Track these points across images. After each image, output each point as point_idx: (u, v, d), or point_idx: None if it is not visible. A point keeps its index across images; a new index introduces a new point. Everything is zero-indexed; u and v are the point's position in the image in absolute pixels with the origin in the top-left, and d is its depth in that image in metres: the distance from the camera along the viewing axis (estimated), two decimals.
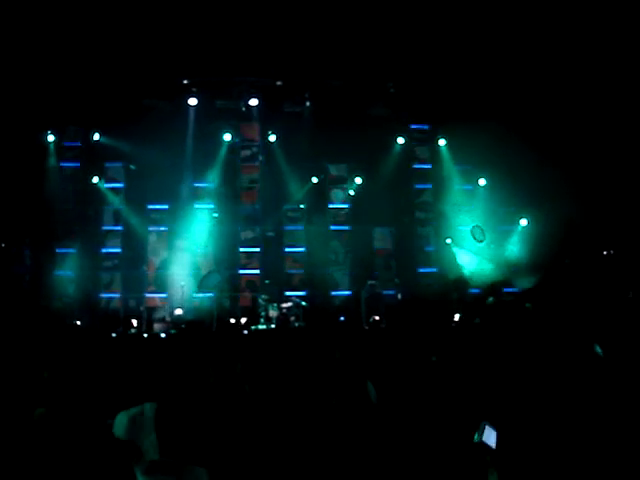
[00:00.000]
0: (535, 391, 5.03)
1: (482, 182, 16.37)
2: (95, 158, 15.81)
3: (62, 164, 15.75)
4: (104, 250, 15.66)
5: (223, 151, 16.07)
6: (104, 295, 15.42)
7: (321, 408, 4.76)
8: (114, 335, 11.21)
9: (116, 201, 15.87)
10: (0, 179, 14.20)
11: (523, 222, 15.87)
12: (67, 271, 15.12)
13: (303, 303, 14.94)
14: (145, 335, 13.03)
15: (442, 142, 16.62)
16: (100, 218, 15.85)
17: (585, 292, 13.15)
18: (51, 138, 15.50)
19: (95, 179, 15.66)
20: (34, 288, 14.51)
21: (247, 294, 15.83)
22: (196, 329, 13.11)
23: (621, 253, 14.11)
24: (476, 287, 15.67)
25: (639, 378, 4.68)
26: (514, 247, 16.07)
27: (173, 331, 13.28)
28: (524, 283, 15.00)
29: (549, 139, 14.64)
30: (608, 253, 14.32)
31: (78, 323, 13.69)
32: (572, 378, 5.16)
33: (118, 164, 15.91)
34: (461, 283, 15.85)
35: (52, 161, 15.54)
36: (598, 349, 6.22)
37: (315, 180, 16.32)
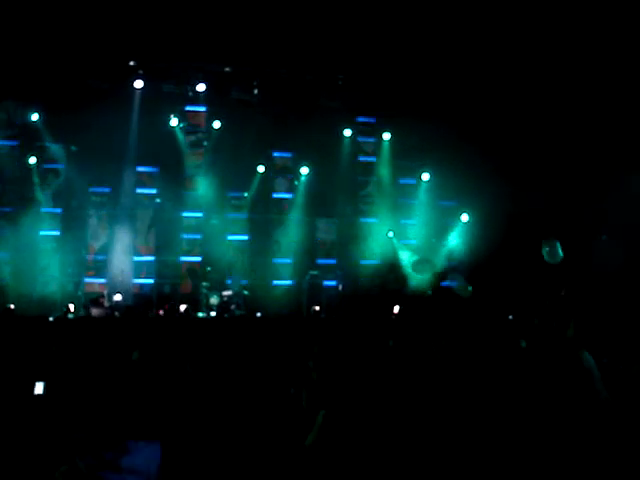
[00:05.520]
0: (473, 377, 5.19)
1: (425, 177, 16.60)
2: (35, 138, 15.36)
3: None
4: (42, 232, 15.18)
5: (170, 135, 15.85)
6: (41, 278, 15.04)
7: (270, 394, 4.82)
8: (51, 319, 10.96)
9: (55, 182, 15.53)
10: None
11: (464, 217, 16.15)
12: (2, 252, 14.72)
13: (245, 292, 14.94)
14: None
15: (387, 136, 16.75)
16: (38, 200, 15.41)
17: (520, 286, 13.55)
18: None
19: (32, 159, 15.20)
20: None
21: (188, 281, 15.74)
22: (135, 315, 12.98)
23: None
24: (415, 280, 15.92)
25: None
26: (454, 241, 16.35)
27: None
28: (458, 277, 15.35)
29: (491, 135, 14.95)
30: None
31: (12, 307, 13.34)
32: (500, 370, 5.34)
33: (59, 145, 15.49)
34: (400, 275, 16.07)
35: None
36: (523, 344, 6.45)
37: (261, 169, 16.25)
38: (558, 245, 11.89)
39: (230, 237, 16.10)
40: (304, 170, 16.32)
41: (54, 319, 11.18)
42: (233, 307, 14.49)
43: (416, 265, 15.82)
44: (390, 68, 15.19)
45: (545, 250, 12.09)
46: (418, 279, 15.79)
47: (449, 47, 13.94)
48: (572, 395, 4.65)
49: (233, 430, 4.43)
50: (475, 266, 15.45)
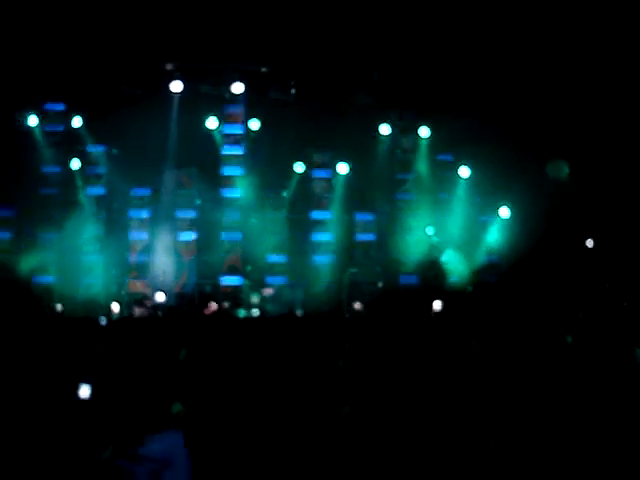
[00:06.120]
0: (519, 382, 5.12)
1: (464, 173, 16.45)
2: (77, 142, 15.66)
3: (43, 148, 15.55)
4: (85, 235, 15.46)
5: (209, 136, 15.99)
6: (85, 280, 15.31)
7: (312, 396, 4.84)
8: (103, 323, 11.12)
9: (98, 186, 15.79)
10: None
11: (503, 212, 15.98)
12: (47, 255, 14.99)
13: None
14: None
15: (425, 132, 16.64)
16: (82, 203, 15.69)
17: (564, 283, 13.37)
18: (33, 122, 15.27)
19: (75, 164, 15.51)
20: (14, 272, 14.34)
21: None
22: (179, 315, 13.10)
23: (602, 244, 14.35)
24: (456, 276, 15.80)
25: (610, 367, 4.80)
26: (494, 237, 16.19)
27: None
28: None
29: (532, 131, 14.78)
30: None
31: (59, 307, 13.59)
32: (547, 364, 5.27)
33: (100, 148, 15.77)
34: (440, 272, 15.96)
35: (35, 145, 15.35)
36: (569, 339, 6.36)
37: (301, 168, 16.29)
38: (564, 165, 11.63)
39: (270, 236, 16.16)
40: (343, 168, 16.31)
41: (106, 322, 11.33)
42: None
43: (431, 250, 15.76)
44: (426, 62, 15.09)
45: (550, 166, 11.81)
46: (453, 271, 15.68)
47: (486, 41, 13.82)
48: (625, 392, 4.59)
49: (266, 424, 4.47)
50: (516, 261, 15.28)
